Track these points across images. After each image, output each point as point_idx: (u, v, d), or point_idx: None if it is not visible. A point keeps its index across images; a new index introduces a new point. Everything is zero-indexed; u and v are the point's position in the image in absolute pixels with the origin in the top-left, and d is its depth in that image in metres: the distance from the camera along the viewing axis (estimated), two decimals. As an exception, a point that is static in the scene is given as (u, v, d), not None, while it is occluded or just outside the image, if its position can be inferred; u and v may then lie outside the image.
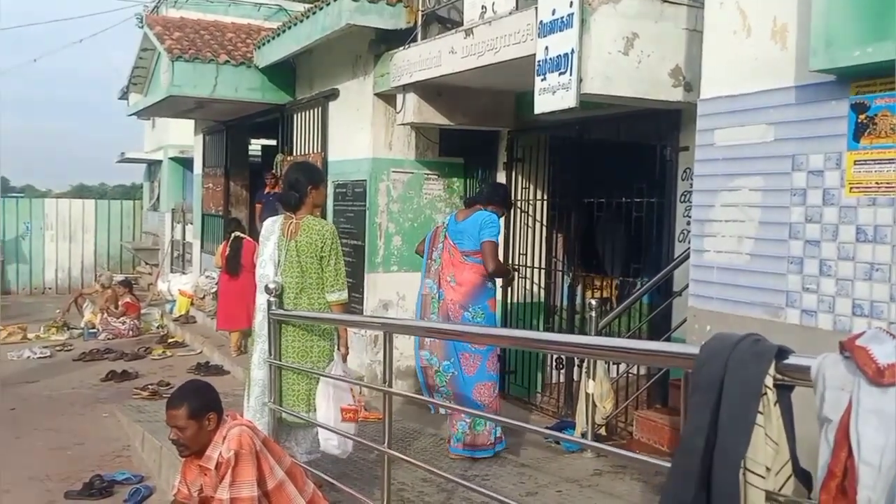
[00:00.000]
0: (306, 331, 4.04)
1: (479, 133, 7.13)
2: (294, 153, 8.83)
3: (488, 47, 5.50)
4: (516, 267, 6.78)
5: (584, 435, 4.82)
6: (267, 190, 10.18)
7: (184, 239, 13.93)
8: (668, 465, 2.20)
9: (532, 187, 6.89)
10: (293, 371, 4.04)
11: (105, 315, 11.10)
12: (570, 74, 4.71)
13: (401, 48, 6.60)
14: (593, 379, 4.72)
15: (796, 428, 1.62)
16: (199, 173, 12.46)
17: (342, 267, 4.10)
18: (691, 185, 5.37)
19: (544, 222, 6.88)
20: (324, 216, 7.03)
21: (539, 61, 4.94)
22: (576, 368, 6.09)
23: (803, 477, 1.55)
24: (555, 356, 6.63)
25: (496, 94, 6.79)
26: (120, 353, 9.61)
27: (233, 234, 9.19)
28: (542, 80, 4.95)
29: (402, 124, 6.85)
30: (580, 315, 6.70)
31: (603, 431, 5.02)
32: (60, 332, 11.19)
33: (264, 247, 4.17)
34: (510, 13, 5.42)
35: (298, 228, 4.07)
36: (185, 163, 16.02)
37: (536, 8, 4.98)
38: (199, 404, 3.05)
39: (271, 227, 4.17)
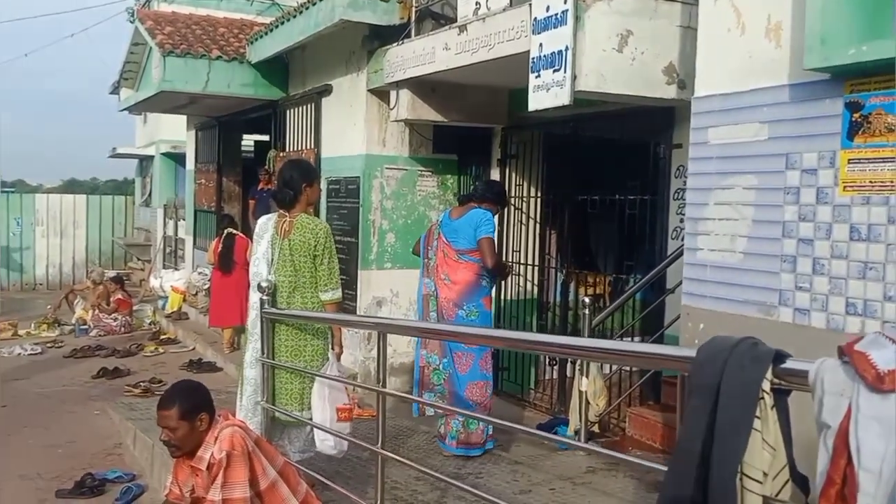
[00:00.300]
0: (299, 330, 4.02)
1: (473, 130, 7.12)
2: (287, 149, 8.79)
3: (482, 44, 5.48)
4: (509, 264, 6.76)
5: (577, 432, 4.81)
6: (260, 186, 10.11)
7: (176, 235, 13.88)
8: (660, 466, 2.20)
9: (526, 184, 6.88)
10: (286, 370, 4.02)
11: (96, 311, 11.05)
12: (565, 72, 4.70)
13: (394, 44, 6.57)
14: (587, 376, 4.71)
15: (792, 430, 1.62)
16: (191, 169, 12.40)
17: (336, 266, 4.08)
18: (685, 182, 5.36)
19: (538, 219, 6.87)
20: (317, 213, 7.01)
21: (533, 58, 4.93)
22: (569, 365, 6.10)
23: (800, 481, 1.54)
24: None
25: (490, 91, 6.77)
26: (111, 349, 9.56)
27: (225, 231, 9.15)
28: (536, 77, 4.94)
29: (396, 121, 6.83)
30: (573, 312, 6.72)
31: (596, 428, 5.02)
32: (51, 328, 11.14)
33: (258, 245, 4.14)
34: (504, 10, 5.39)
35: (292, 227, 4.04)
36: (178, 158, 15.95)
37: (531, 5, 4.96)
38: (191, 405, 3.03)
39: (265, 225, 4.15)
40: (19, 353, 9.57)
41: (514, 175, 6.95)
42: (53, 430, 6.49)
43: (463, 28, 5.66)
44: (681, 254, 5.09)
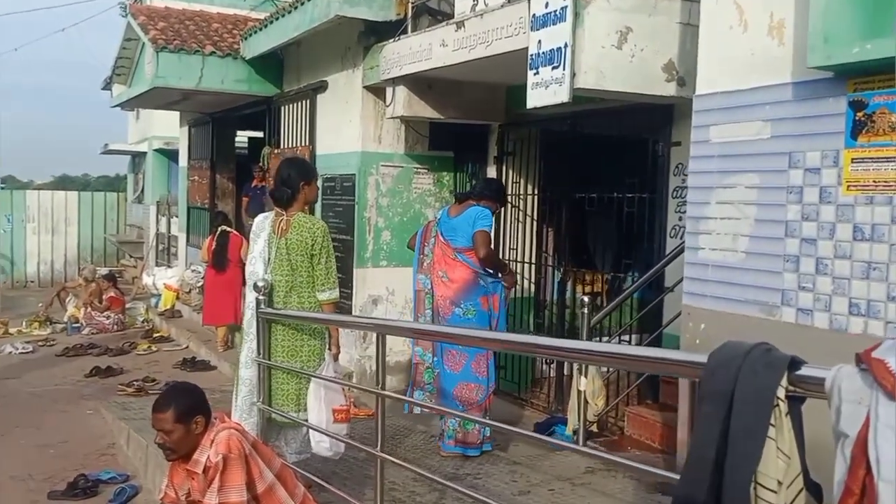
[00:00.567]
0: (296, 330, 3.98)
1: (470, 127, 7.07)
2: (281, 146, 8.72)
3: (480, 40, 5.43)
4: (508, 267, 6.71)
5: (575, 432, 4.77)
6: (254, 183, 10.07)
7: (169, 232, 13.78)
8: (662, 471, 2.17)
9: (523, 181, 6.84)
10: (282, 370, 3.97)
11: (89, 309, 10.97)
12: (564, 69, 4.66)
13: (390, 40, 6.52)
14: (585, 376, 4.67)
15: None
16: (184, 165, 12.31)
17: (333, 265, 4.03)
18: (683, 180, 5.35)
19: (535, 217, 6.83)
20: (312, 211, 6.95)
21: (532, 55, 4.88)
22: (567, 364, 6.06)
23: (814, 490, 1.51)
24: (545, 352, 6.61)
25: (487, 88, 6.73)
26: (104, 348, 9.49)
27: (219, 228, 9.09)
28: (534, 74, 4.89)
29: (392, 118, 6.77)
30: (570, 310, 6.68)
31: (594, 428, 4.99)
32: (43, 326, 11.05)
33: (254, 243, 4.09)
34: (502, 6, 5.35)
35: (289, 226, 3.99)
36: (171, 155, 15.85)
37: (529, 1, 4.91)
38: (186, 407, 2.98)
39: (262, 224, 4.10)
40: (10, 352, 9.49)
41: (510, 172, 6.90)
42: (45, 430, 6.42)
43: (460, 24, 5.61)
44: (679, 252, 5.06)
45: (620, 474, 4.37)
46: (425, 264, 5.00)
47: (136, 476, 5.39)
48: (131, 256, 16.62)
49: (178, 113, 12.26)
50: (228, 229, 9.12)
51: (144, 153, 17.31)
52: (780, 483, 1.45)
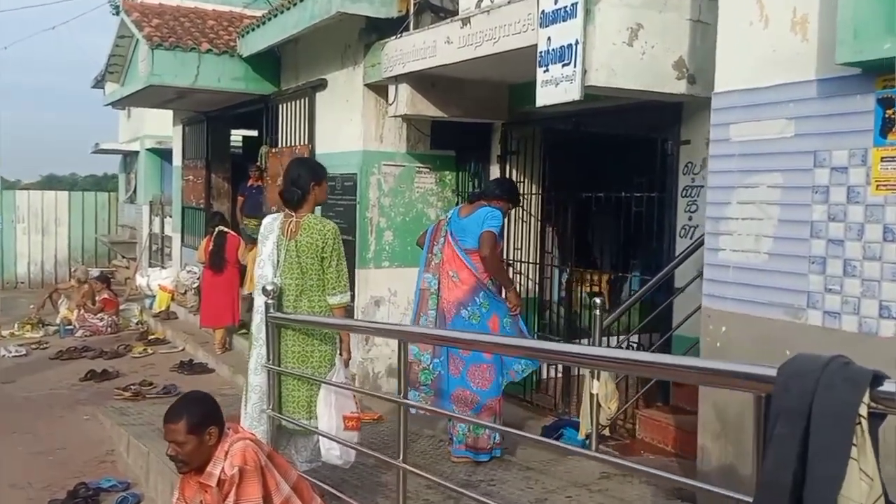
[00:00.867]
0: (307, 335, 3.87)
1: (472, 125, 6.97)
2: (279, 145, 8.60)
3: (487, 37, 5.33)
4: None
5: (588, 436, 4.69)
6: (250, 182, 9.94)
7: (162, 232, 13.62)
8: (683, 479, 2.09)
9: (526, 181, 6.74)
10: (293, 377, 3.87)
11: (82, 311, 10.81)
12: (575, 66, 4.57)
13: (393, 37, 6.41)
14: (597, 379, 4.59)
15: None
16: (178, 165, 12.15)
17: (344, 268, 3.93)
18: (693, 179, 5.29)
19: (538, 216, 6.74)
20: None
21: (541, 52, 4.80)
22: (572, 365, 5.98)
23: (894, 511, 1.42)
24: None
25: (490, 86, 6.63)
26: (99, 350, 9.34)
27: (216, 229, 8.96)
28: (544, 71, 4.80)
29: (395, 116, 6.66)
30: (574, 311, 6.60)
31: (606, 431, 4.91)
32: (35, 329, 10.88)
33: (262, 246, 3.98)
34: (509, 2, 5.25)
35: (299, 227, 3.89)
36: (163, 154, 15.67)
37: (538, -3, 4.83)
38: (200, 417, 2.87)
39: (270, 226, 3.99)
40: (3, 355, 9.33)
41: (514, 171, 6.80)
42: (42, 437, 6.29)
43: (466, 21, 5.51)
44: (691, 252, 5.00)
45: (637, 480, 4.29)
46: (433, 263, 4.90)
47: (138, 484, 5.27)
48: (123, 257, 16.43)
49: (170, 112, 12.11)
50: (226, 230, 9.00)
51: (136, 152, 17.11)
52: (861, 506, 1.36)
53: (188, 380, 7.98)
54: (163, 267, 12.68)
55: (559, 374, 6.33)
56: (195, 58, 8.44)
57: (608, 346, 4.98)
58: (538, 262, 6.71)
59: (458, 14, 5.89)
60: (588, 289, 6.88)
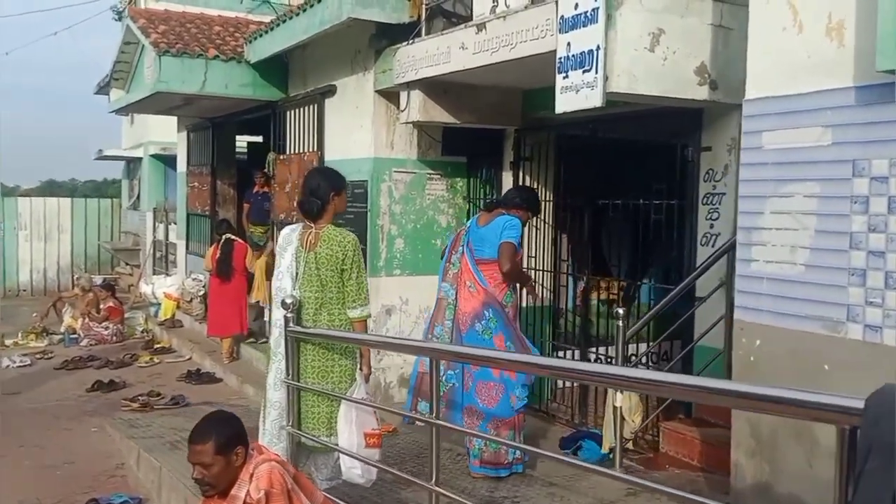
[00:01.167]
0: (326, 349, 3.77)
1: (484, 131, 6.88)
2: (287, 152, 8.51)
3: (503, 43, 5.24)
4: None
5: (611, 450, 4.59)
6: (256, 189, 9.87)
7: (166, 239, 13.51)
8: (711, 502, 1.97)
9: (540, 187, 6.63)
10: (312, 392, 3.76)
11: (86, 320, 10.71)
12: (596, 72, 4.48)
13: (404, 43, 6.32)
14: (621, 392, 4.49)
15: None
16: (183, 171, 12.06)
17: (365, 281, 3.83)
18: (714, 186, 5.19)
19: (552, 224, 6.64)
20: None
21: (560, 58, 4.71)
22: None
23: None
24: (563, 357, 6.43)
25: (503, 92, 6.54)
26: (105, 360, 9.23)
27: (224, 236, 8.86)
28: (563, 77, 4.72)
29: (407, 123, 6.57)
30: (588, 318, 6.50)
31: (630, 445, 4.80)
32: (40, 338, 10.78)
33: (281, 258, 3.88)
34: (526, 7, 5.16)
35: (318, 239, 3.78)
36: (167, 160, 15.56)
37: (557, 2, 4.74)
38: (227, 437, 2.77)
39: (289, 237, 3.89)
40: (8, 366, 9.22)
41: (527, 178, 6.71)
42: (50, 450, 6.18)
43: (482, 26, 5.42)
44: (713, 262, 4.91)
45: (665, 496, 4.17)
46: (451, 273, 4.80)
47: (150, 499, 5.17)
48: (127, 264, 16.33)
49: (174, 118, 12.02)
50: (233, 237, 8.91)
51: (140, 159, 17.01)
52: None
53: (196, 390, 7.87)
54: (167, 274, 12.58)
55: (575, 384, 6.23)
56: (202, 64, 8.36)
57: (628, 354, 4.88)
58: (552, 269, 6.61)
59: (470, 20, 5.80)
60: (601, 296, 6.79)
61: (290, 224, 8.15)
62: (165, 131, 13.93)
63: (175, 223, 12.76)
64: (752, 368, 3.54)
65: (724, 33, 4.88)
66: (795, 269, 3.39)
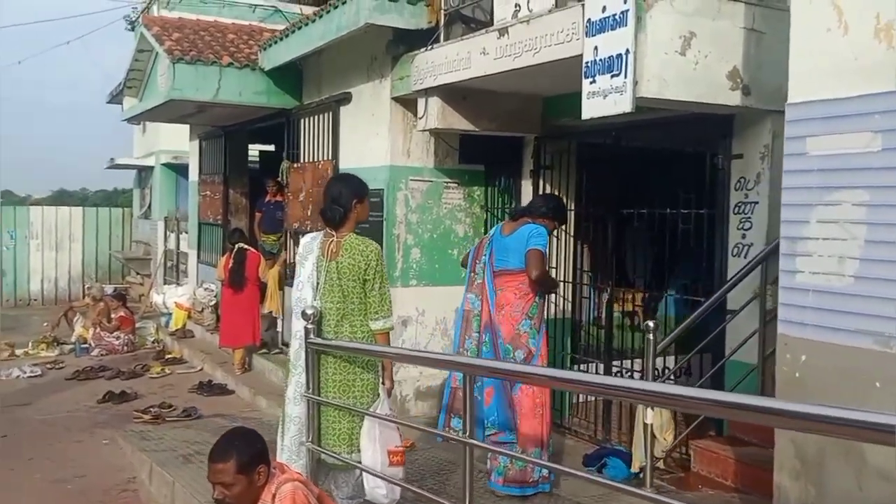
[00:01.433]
0: (348, 362, 3.62)
1: (502, 139, 6.73)
2: (301, 160, 8.39)
3: (526, 48, 5.11)
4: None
5: (642, 469, 4.42)
6: (268, 198, 9.74)
7: (178, 248, 13.41)
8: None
9: (561, 197, 6.47)
10: (334, 407, 3.61)
11: (97, 330, 10.59)
12: (625, 77, 4.34)
13: (423, 49, 6.20)
14: (652, 408, 4.32)
15: None
16: (195, 180, 11.95)
17: (387, 291, 3.69)
18: (746, 195, 5.02)
19: (573, 234, 6.48)
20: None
21: (587, 62, 4.57)
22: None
23: None
24: (584, 371, 6.26)
25: (523, 98, 6.41)
26: (116, 370, 9.10)
27: (236, 246, 8.74)
28: (590, 82, 4.57)
29: (424, 130, 6.43)
30: (608, 330, 6.32)
31: (660, 464, 4.62)
32: (50, 348, 10.66)
33: (301, 267, 3.74)
34: (550, 11, 5.03)
35: (340, 248, 3.65)
36: (178, 169, 15.49)
37: (583, 5, 4.60)
38: (249, 456, 2.62)
39: (309, 246, 3.75)
40: (18, 376, 9.10)
41: (547, 187, 6.56)
42: (60, 463, 6.04)
43: (504, 31, 5.29)
44: (746, 273, 4.74)
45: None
46: (476, 283, 4.65)
47: (162, 516, 5.02)
48: (138, 273, 16.23)
49: (186, 126, 11.94)
50: (245, 247, 8.78)
51: (151, 167, 16.95)
52: None
53: (208, 401, 7.73)
54: (178, 284, 12.47)
55: (598, 398, 6.06)
56: (216, 71, 8.25)
57: (656, 367, 4.72)
58: (573, 280, 6.45)
59: (490, 25, 5.68)
60: (622, 308, 6.63)
61: (303, 232, 8.10)
62: (177, 140, 13.86)
63: (186, 232, 12.65)
64: (796, 385, 3.37)
65: (756, 37, 4.73)
66: (844, 282, 3.23)
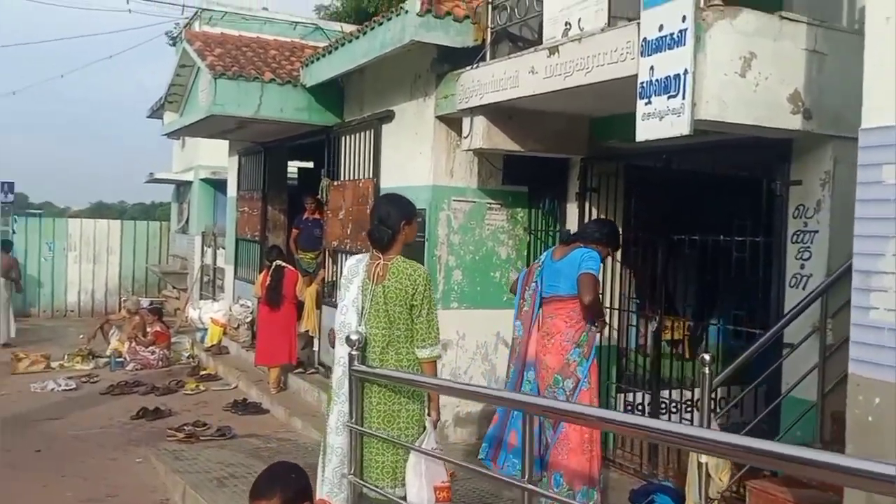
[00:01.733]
0: (393, 392, 3.48)
1: (547, 160, 6.58)
2: (341, 178, 8.31)
3: (577, 67, 4.95)
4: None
5: (695, 510, 4.19)
6: (305, 215, 9.69)
7: (214, 264, 13.41)
8: None
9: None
10: (377, 439, 3.46)
11: (133, 343, 10.58)
12: (683, 98, 4.18)
13: (468, 68, 6.08)
14: (707, 446, 4.09)
15: None
16: (233, 196, 11.96)
17: (435, 318, 3.55)
18: (805, 223, 4.80)
19: (619, 259, 6.29)
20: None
21: (642, 83, 4.41)
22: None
23: None
24: (630, 401, 6.05)
25: (569, 119, 6.26)
26: (150, 386, 9.05)
27: (274, 263, 8.67)
28: (645, 103, 4.40)
29: (469, 150, 6.30)
30: (653, 359, 6.11)
31: (715, 504, 4.39)
32: (86, 361, 10.66)
33: (346, 290, 3.62)
34: (603, 30, 4.88)
35: (387, 271, 3.52)
36: (217, 184, 15.55)
37: (639, 24, 4.45)
38: (294, 492, 2.49)
39: (354, 268, 3.63)
40: (53, 389, 9.09)
41: (594, 210, 6.38)
42: (93, 481, 5.96)
43: (554, 50, 5.15)
44: (806, 306, 4.51)
45: (758, 564, 3.78)
46: (524, 311, 4.48)
47: (195, 541, 4.90)
48: (174, 287, 16.29)
49: (225, 142, 11.95)
50: (283, 264, 8.71)
51: (190, 182, 17.05)
52: None
53: (242, 420, 7.64)
54: (214, 299, 12.45)
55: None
56: (258, 87, 8.23)
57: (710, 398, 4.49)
58: (618, 307, 6.25)
59: (538, 44, 5.54)
60: (672, 336, 6.40)
61: (343, 251, 8.00)
62: (216, 155, 13.91)
63: (223, 248, 12.65)
64: (870, 430, 3.15)
65: (819, 59, 4.54)
66: (925, 320, 3.01)
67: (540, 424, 4.25)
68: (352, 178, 8.07)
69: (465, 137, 6.25)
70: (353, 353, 3.46)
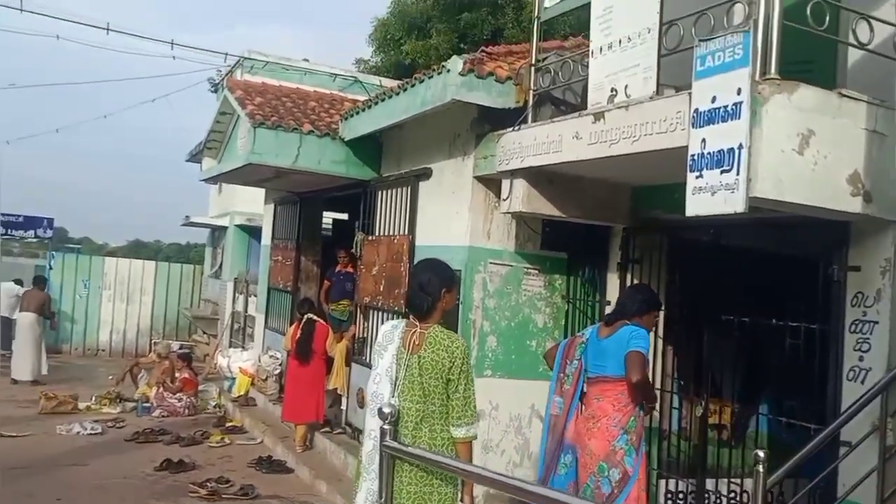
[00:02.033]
0: (426, 472, 3.29)
1: (587, 227, 6.41)
2: (376, 233, 8.21)
3: (624, 135, 4.82)
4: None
5: None
6: (338, 268, 9.61)
7: (245, 311, 13.37)
8: None
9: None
10: (407, 523, 3.27)
11: (160, 389, 10.49)
12: (738, 173, 4.00)
13: (510, 129, 5.98)
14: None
15: None
16: (267, 244, 11.94)
17: (472, 395, 3.37)
18: (864, 313, 4.52)
19: (661, 336, 6.02)
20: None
21: (693, 155, 4.24)
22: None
23: None
24: (672, 490, 5.75)
25: (612, 186, 6.12)
26: (175, 435, 8.91)
27: (305, 316, 8.56)
28: (696, 177, 4.23)
29: (508, 213, 6.17)
30: (695, 443, 5.81)
31: None
32: (113, 404, 10.58)
33: (379, 357, 3.45)
34: (652, 98, 4.76)
35: (423, 340, 3.35)
36: (252, 231, 15.62)
37: (690, 94, 4.31)
38: None
39: (389, 335, 3.47)
40: (78, 432, 9.00)
41: (635, 282, 6.16)
42: (112, 539, 5.80)
43: (599, 116, 5.02)
44: (866, 403, 4.23)
45: None
46: (564, 386, 4.28)
47: None
48: (204, 332, 16.28)
49: (262, 190, 12.01)
50: (315, 318, 8.59)
51: (225, 228, 17.17)
52: None
53: (266, 479, 7.44)
54: (244, 348, 12.35)
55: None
56: (296, 138, 8.22)
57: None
58: (660, 387, 5.97)
59: (582, 108, 5.44)
60: (718, 420, 6.09)
61: (374, 307, 7.86)
62: (252, 202, 13.98)
63: (255, 295, 12.61)
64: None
65: (879, 139, 4.36)
66: None
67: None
68: (386, 233, 7.97)
69: (505, 200, 6.13)
70: (385, 427, 3.29)
